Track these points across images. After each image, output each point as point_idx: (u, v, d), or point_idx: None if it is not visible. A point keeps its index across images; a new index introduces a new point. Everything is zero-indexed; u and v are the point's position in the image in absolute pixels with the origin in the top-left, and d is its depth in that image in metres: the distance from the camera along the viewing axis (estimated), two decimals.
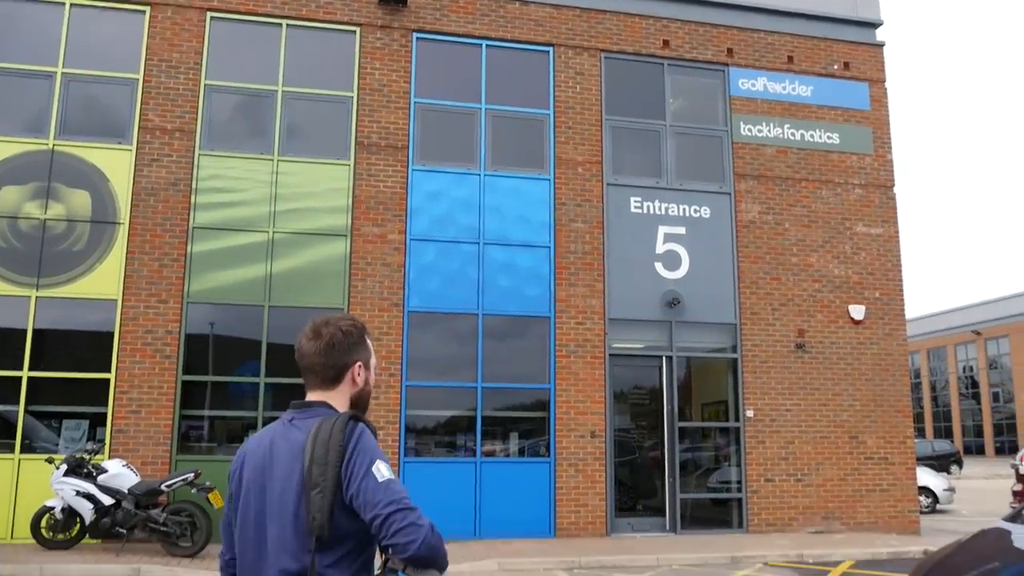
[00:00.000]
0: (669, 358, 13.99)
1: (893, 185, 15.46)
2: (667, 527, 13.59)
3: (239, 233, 12.99)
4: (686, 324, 14.14)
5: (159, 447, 12.13)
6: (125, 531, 10.80)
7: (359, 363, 2.54)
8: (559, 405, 13.36)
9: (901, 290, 15.11)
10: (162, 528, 10.80)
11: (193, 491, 11.11)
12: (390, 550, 2.28)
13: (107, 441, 12.00)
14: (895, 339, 14.94)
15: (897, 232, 15.29)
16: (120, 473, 11.06)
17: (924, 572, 4.78)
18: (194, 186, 12.87)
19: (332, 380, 2.52)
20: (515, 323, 13.67)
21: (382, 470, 2.32)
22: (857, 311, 14.73)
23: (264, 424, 12.47)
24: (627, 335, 13.99)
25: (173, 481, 11.07)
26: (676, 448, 13.73)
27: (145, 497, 10.92)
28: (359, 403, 2.56)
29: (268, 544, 2.38)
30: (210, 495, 11.04)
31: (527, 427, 13.66)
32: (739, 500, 13.89)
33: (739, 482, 13.95)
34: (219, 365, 12.78)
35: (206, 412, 12.71)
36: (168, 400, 12.24)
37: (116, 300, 12.36)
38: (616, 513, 13.44)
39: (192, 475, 11.10)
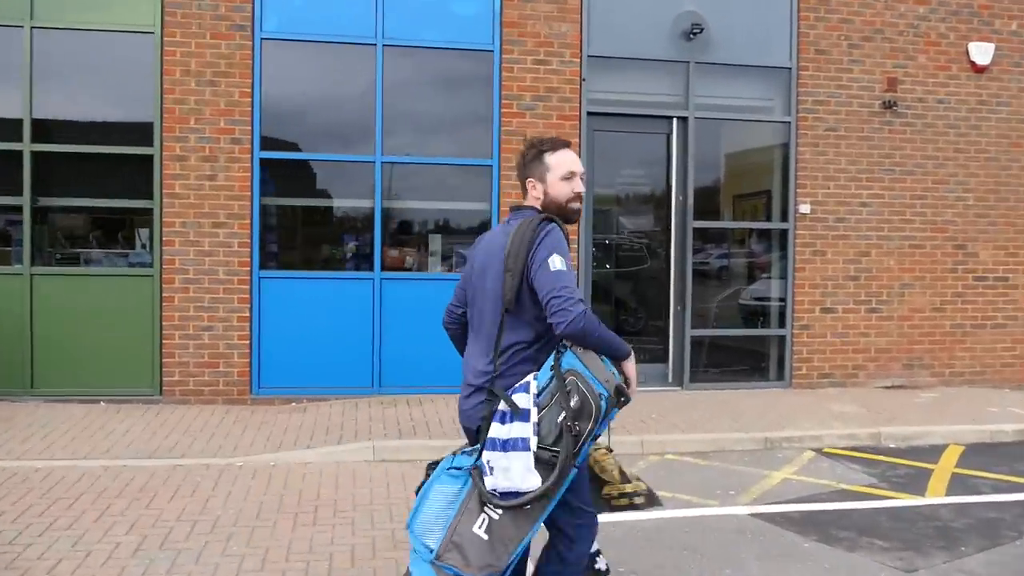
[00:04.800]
0: (683, 121, 8.94)
1: None
2: (670, 379, 9.04)
3: None
4: (711, 68, 8.98)
5: None
6: None
7: (531, 179, 3.05)
8: (507, 193, 8.51)
9: None
10: None
11: None
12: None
13: None
14: None
15: None
16: None
17: None
18: None
19: (523, 191, 3.12)
20: (436, 60, 8.59)
21: (556, 262, 2.80)
22: (981, 51, 9.42)
23: (32, 213, 7.91)
24: (617, 83, 8.89)
25: None
26: (688, 260, 8.95)
27: None
28: (549, 209, 2.99)
29: (483, 311, 3.04)
30: None
31: (454, 225, 8.93)
32: (780, 339, 9.23)
33: (782, 312, 9.25)
34: None
35: None
36: None
37: None
38: None
39: None
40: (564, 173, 3.00)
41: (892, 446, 7.27)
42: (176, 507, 5.36)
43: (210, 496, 5.61)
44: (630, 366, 2.89)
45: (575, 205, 3.02)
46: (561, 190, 3.00)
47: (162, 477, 5.98)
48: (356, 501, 5.62)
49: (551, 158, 3.01)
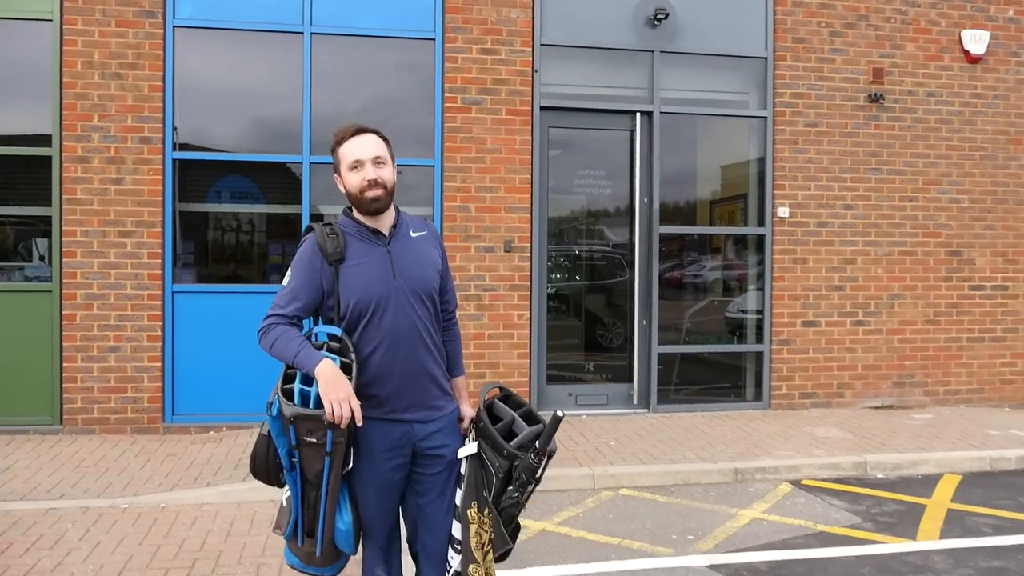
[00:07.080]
0: (648, 116, 8.12)
1: None
2: (635, 400, 8.16)
3: None
4: (679, 58, 8.17)
5: None
6: None
7: (336, 176, 2.93)
8: (449, 195, 7.68)
9: None
10: None
11: None
12: None
13: None
14: None
15: None
16: None
17: None
18: None
19: None
20: (371, 49, 7.77)
21: (285, 278, 2.90)
22: (975, 39, 8.63)
23: None
24: (573, 75, 8.10)
25: None
26: (655, 270, 8.09)
27: None
28: (352, 204, 2.90)
29: None
30: None
31: None
32: (758, 356, 8.38)
33: (759, 326, 8.40)
34: None
35: None
36: None
37: None
38: (548, 377, 8.01)
39: None
40: (349, 164, 2.84)
41: (880, 476, 6.39)
42: (26, 563, 4.49)
43: (73, 548, 4.74)
44: (320, 381, 2.62)
45: (369, 194, 2.81)
46: (351, 182, 2.85)
47: (27, 523, 5.11)
48: (245, 553, 4.75)
49: (339, 151, 2.88)
